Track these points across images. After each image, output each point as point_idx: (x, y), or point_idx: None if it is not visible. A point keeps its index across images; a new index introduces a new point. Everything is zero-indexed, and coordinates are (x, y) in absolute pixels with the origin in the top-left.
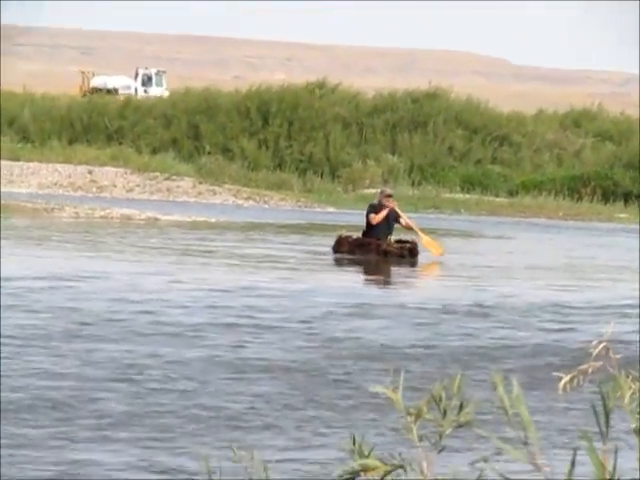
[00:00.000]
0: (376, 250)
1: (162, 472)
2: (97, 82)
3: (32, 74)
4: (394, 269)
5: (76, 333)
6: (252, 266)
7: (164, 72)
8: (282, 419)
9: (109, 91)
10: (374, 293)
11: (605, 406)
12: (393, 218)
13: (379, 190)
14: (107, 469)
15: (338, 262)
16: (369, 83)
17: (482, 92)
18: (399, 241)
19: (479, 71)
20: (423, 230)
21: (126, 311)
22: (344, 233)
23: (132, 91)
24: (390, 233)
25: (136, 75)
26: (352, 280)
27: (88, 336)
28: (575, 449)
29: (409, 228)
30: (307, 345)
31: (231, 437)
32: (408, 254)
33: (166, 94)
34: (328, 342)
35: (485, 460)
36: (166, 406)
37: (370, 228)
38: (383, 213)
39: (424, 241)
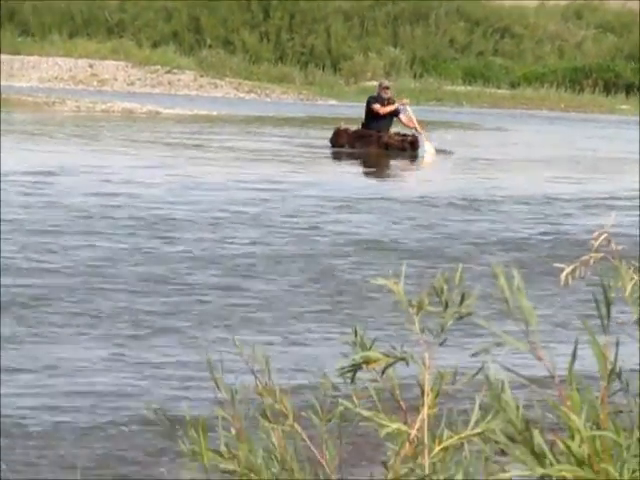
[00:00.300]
0: (377, 142)
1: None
2: None
3: None
4: (393, 162)
5: (60, 228)
6: (248, 159)
7: None
8: (271, 314)
9: None
10: (365, 186)
11: (606, 297)
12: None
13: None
14: (83, 364)
15: (336, 155)
16: None
17: None
18: (399, 134)
19: None
20: (422, 126)
21: (106, 205)
22: (342, 125)
23: None
24: (390, 126)
25: None
26: (347, 173)
27: (70, 232)
28: (576, 341)
29: (408, 125)
30: (291, 239)
31: (222, 333)
32: (409, 147)
33: None
34: (311, 235)
35: (486, 351)
36: (146, 303)
37: (370, 120)
38: (391, 107)
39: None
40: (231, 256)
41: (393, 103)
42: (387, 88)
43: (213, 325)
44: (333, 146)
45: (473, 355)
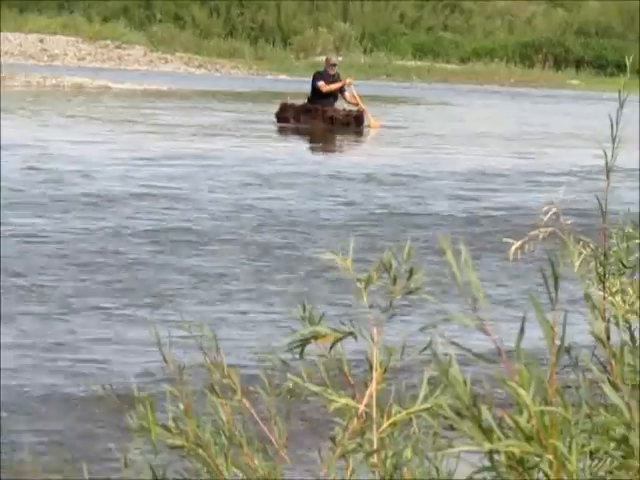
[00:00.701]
0: (322, 117)
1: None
2: None
3: None
4: (339, 138)
5: None
6: (191, 134)
7: None
8: (213, 291)
9: None
10: (298, 161)
11: (554, 272)
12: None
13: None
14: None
15: (281, 131)
16: None
17: None
18: (344, 109)
19: None
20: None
21: (38, 180)
22: (288, 100)
23: None
24: (334, 102)
25: None
26: (289, 148)
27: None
28: (524, 315)
29: (351, 102)
30: (221, 215)
31: (165, 311)
32: (354, 122)
33: None
34: (239, 211)
35: (434, 326)
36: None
37: (315, 96)
38: (335, 85)
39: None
40: (164, 230)
41: (339, 80)
42: (334, 65)
43: (147, 302)
44: (278, 121)
45: (421, 330)
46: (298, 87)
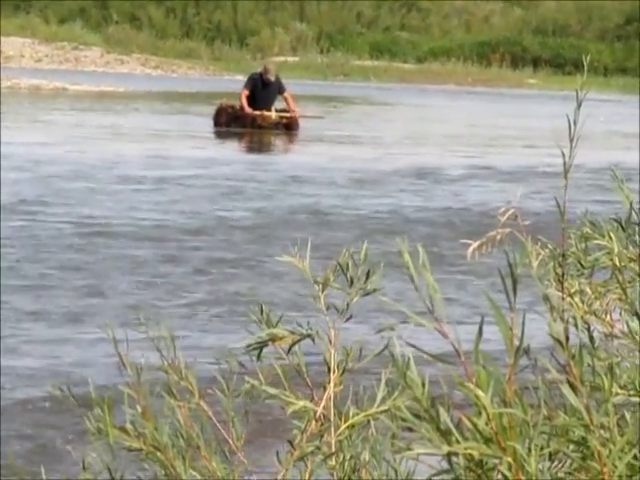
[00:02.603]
0: (250, 123)
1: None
2: None
3: None
4: (276, 141)
5: None
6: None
7: None
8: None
9: None
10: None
11: (512, 273)
12: (276, 89)
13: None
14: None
15: (218, 135)
16: None
17: None
18: (281, 111)
19: None
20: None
21: None
22: (224, 102)
23: None
24: (272, 103)
25: None
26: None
27: None
28: (482, 316)
29: (289, 106)
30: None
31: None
32: (284, 128)
33: None
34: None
35: (392, 328)
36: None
37: (251, 98)
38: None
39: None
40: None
41: (276, 84)
42: (268, 70)
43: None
44: (215, 125)
45: (378, 332)
46: None
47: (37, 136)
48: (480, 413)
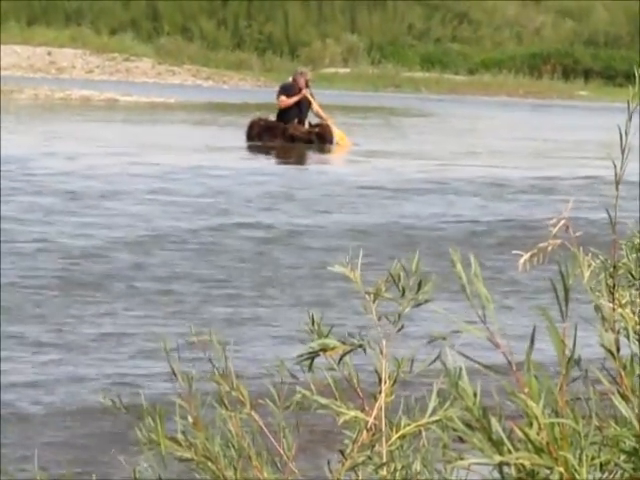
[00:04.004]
0: (282, 135)
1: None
2: None
3: None
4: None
5: None
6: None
7: None
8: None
9: None
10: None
11: (564, 283)
12: (305, 104)
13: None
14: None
15: (250, 149)
16: None
17: None
18: (315, 125)
19: None
20: (332, 119)
21: None
22: (257, 115)
23: None
24: (303, 117)
25: None
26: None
27: None
28: (534, 327)
29: (319, 116)
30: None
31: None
32: (317, 139)
33: None
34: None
35: (444, 338)
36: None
37: (281, 111)
38: (294, 99)
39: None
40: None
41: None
42: (301, 73)
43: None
44: (248, 139)
45: (429, 342)
46: None
47: (86, 147)
48: (532, 423)
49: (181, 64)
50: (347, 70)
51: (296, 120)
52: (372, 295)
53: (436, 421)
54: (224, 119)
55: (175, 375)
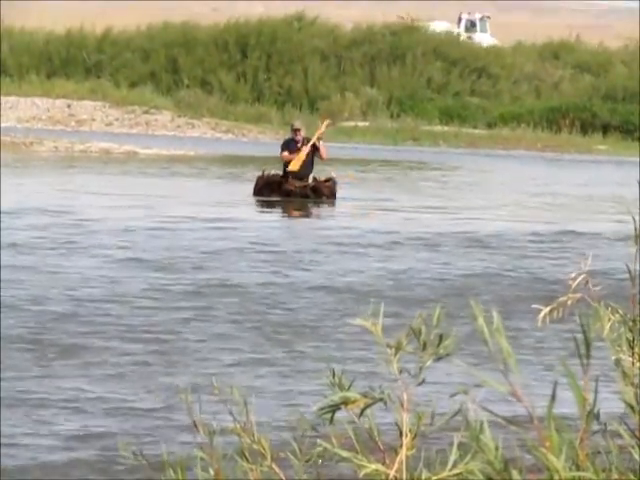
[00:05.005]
0: (278, 190)
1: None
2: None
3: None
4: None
5: None
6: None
7: (488, 18)
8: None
9: None
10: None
11: (586, 337)
12: (312, 154)
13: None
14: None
15: (259, 204)
16: (348, 15)
17: None
18: (326, 180)
19: (458, 2)
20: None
21: None
22: (266, 170)
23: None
24: (309, 169)
25: (459, 20)
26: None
27: None
28: (555, 382)
29: (322, 158)
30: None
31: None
32: (312, 194)
33: (491, 41)
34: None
35: (465, 392)
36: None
37: (285, 165)
38: (292, 155)
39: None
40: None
41: (308, 142)
42: (298, 130)
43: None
44: (254, 194)
45: (452, 396)
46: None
47: (105, 200)
48: (552, 476)
49: (200, 117)
50: (366, 123)
51: (299, 173)
52: (393, 349)
53: (457, 474)
54: (239, 172)
55: (197, 427)
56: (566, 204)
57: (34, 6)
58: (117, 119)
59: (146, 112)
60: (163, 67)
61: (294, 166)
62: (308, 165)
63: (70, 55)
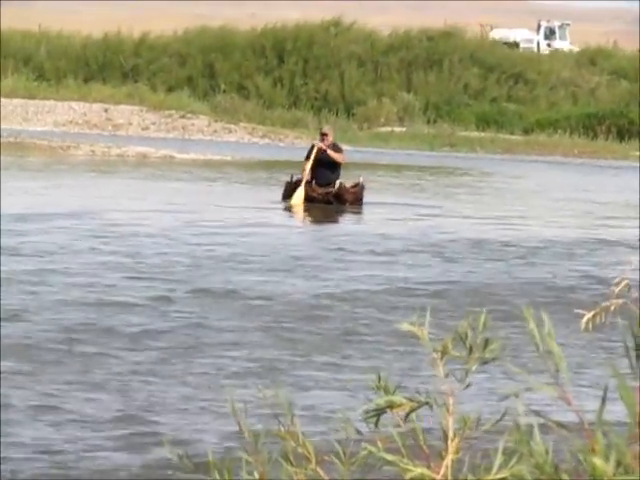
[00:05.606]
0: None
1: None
2: (498, 35)
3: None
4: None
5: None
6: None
7: (568, 25)
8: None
9: (510, 44)
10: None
11: (637, 343)
12: (319, 167)
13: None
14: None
15: (286, 209)
16: (385, 21)
17: None
18: (354, 186)
19: (495, 9)
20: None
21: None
22: (294, 176)
23: (534, 45)
24: (335, 173)
25: (538, 28)
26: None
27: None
28: (606, 386)
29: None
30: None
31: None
32: (334, 200)
33: (571, 48)
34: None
35: (516, 395)
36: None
37: (313, 171)
38: (311, 161)
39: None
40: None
41: (334, 150)
42: (325, 135)
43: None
44: (282, 199)
45: (502, 399)
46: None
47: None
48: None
49: (237, 122)
50: (403, 129)
51: (322, 180)
52: (439, 353)
53: (502, 478)
54: (273, 177)
55: (242, 431)
56: (601, 211)
57: (71, 10)
58: (154, 123)
59: (183, 117)
60: (200, 72)
61: (305, 177)
62: (323, 172)
63: (107, 59)
